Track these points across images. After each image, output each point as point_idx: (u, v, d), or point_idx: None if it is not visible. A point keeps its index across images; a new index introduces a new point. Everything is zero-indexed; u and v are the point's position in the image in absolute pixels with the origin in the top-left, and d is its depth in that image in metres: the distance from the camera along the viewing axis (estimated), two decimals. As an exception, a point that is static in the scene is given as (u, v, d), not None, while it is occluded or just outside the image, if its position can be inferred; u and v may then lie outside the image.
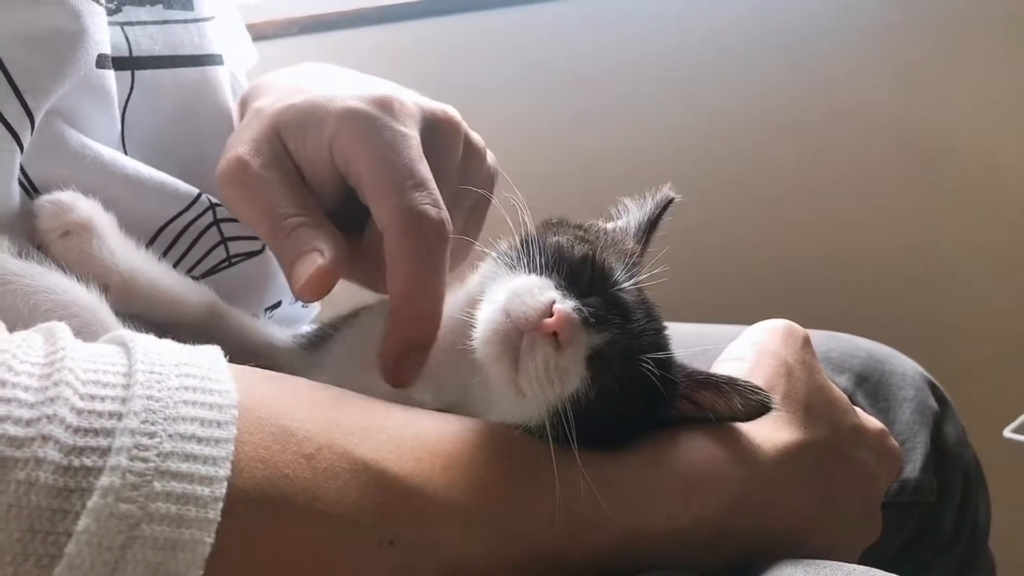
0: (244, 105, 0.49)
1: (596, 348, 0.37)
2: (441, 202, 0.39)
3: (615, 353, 0.37)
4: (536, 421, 0.36)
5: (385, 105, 0.41)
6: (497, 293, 0.38)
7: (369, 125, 0.40)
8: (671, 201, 0.47)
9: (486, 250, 0.43)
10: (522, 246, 0.40)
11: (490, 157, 0.49)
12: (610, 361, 0.37)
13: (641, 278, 0.40)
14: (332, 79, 0.47)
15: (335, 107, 0.41)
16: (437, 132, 0.44)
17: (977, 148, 1.14)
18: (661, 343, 0.41)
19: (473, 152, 0.47)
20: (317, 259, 0.39)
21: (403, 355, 0.39)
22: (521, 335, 0.36)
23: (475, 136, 0.47)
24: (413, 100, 0.43)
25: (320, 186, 0.42)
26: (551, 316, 0.36)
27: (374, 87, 0.43)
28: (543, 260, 0.39)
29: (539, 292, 0.37)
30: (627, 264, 0.41)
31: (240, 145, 0.42)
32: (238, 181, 0.41)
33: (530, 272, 0.39)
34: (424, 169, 0.40)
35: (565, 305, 0.36)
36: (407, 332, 0.39)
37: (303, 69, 0.51)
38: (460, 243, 0.48)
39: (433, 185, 0.40)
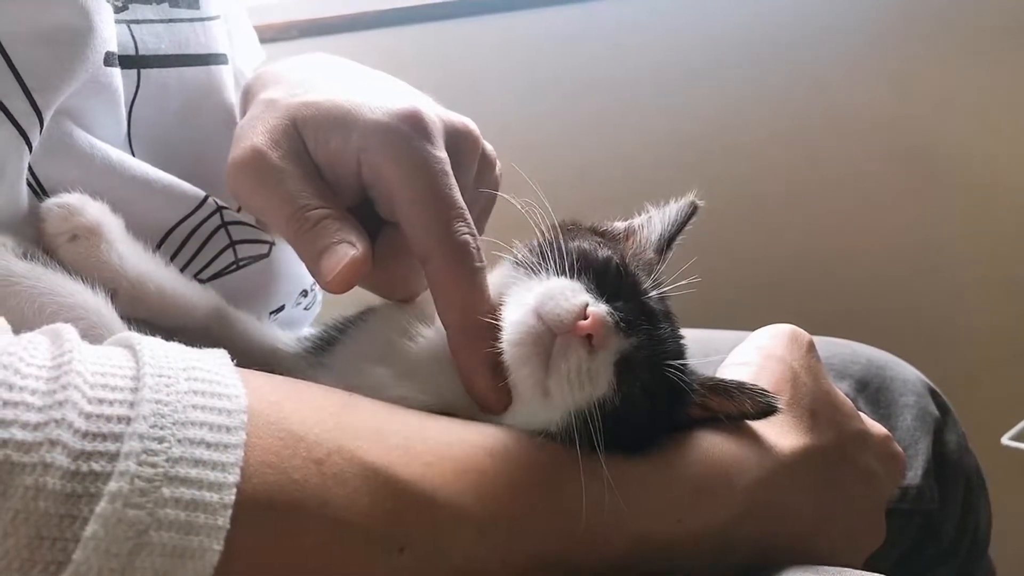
0: (248, 95, 0.48)
1: (624, 352, 0.37)
2: (474, 228, 0.40)
3: (641, 358, 0.37)
4: (557, 426, 0.36)
5: (417, 123, 0.41)
6: (525, 296, 0.38)
7: (404, 146, 0.40)
8: (696, 208, 0.46)
9: (500, 254, 0.43)
10: (544, 249, 0.40)
11: (497, 165, 0.49)
12: (636, 366, 0.37)
13: (666, 284, 0.40)
14: (348, 78, 0.46)
15: (364, 119, 0.40)
16: (458, 145, 0.43)
17: (976, 152, 1.15)
18: (681, 349, 0.41)
19: (486, 163, 0.47)
20: (348, 250, 0.38)
21: (492, 375, 0.38)
22: (553, 337, 0.36)
23: (489, 147, 0.48)
24: (436, 113, 0.43)
25: (336, 189, 0.42)
26: (585, 319, 0.36)
27: (396, 95, 0.43)
28: (568, 264, 0.39)
29: (572, 295, 0.37)
30: (651, 270, 0.41)
31: (256, 136, 0.41)
32: (255, 171, 0.40)
33: (559, 275, 0.38)
34: (460, 197, 0.40)
35: (599, 308, 0.36)
36: (477, 348, 0.38)
37: (312, 61, 0.50)
38: None
39: (468, 213, 0.40)
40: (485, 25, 1.17)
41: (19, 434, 0.25)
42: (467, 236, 0.39)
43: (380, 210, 0.42)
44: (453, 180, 0.40)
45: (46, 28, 0.36)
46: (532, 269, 0.40)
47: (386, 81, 0.48)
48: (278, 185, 0.40)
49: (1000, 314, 1.17)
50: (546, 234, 0.41)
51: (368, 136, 0.40)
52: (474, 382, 0.38)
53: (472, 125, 0.46)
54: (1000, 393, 1.11)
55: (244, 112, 0.47)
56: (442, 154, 0.41)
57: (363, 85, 0.45)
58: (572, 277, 0.38)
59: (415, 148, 0.40)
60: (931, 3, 1.12)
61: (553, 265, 0.39)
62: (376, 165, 0.40)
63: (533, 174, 0.43)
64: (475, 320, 0.38)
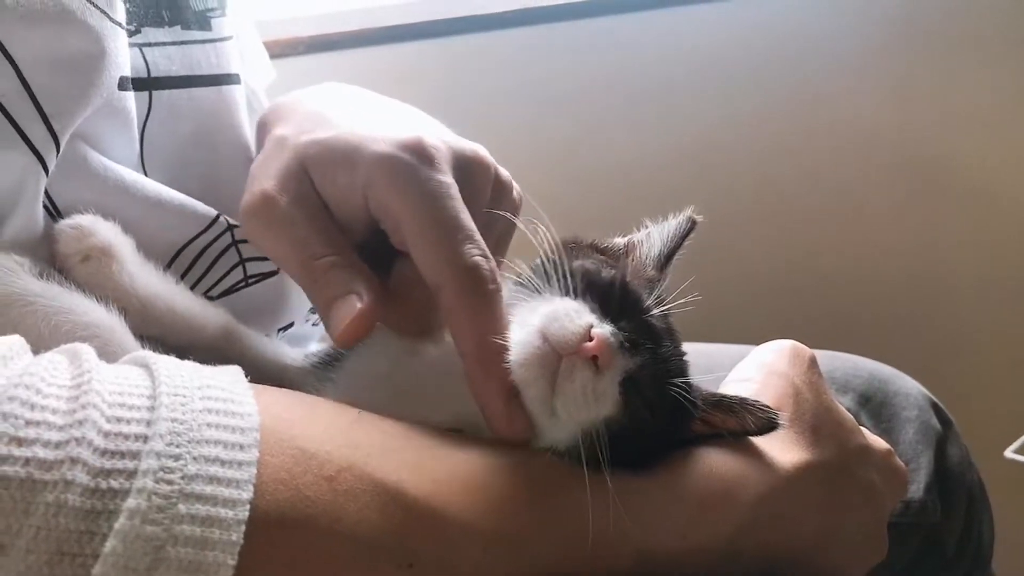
0: (264, 128, 0.48)
1: (629, 372, 0.37)
2: (488, 251, 0.39)
3: (646, 377, 0.38)
4: (564, 444, 0.36)
5: (420, 151, 0.40)
6: (529, 316, 0.38)
7: (407, 175, 0.40)
8: (695, 224, 0.46)
9: (503, 273, 0.43)
10: (548, 269, 0.40)
11: (515, 189, 0.49)
12: (641, 385, 0.38)
13: (669, 304, 0.41)
14: (358, 109, 0.47)
15: (368, 152, 0.40)
16: (468, 173, 0.43)
17: (978, 165, 1.15)
18: (684, 367, 0.41)
19: (502, 189, 0.47)
20: (355, 303, 0.38)
21: (507, 401, 0.37)
22: (559, 358, 0.36)
23: (504, 172, 0.47)
24: (444, 140, 0.43)
25: (347, 225, 0.42)
26: (590, 340, 0.36)
27: (403, 124, 0.43)
28: (572, 284, 0.39)
29: (576, 316, 0.37)
30: (653, 288, 0.42)
31: (266, 180, 0.41)
32: (265, 217, 0.40)
33: (563, 296, 0.39)
34: (469, 219, 0.39)
35: (603, 330, 0.37)
36: (492, 374, 0.37)
37: (325, 91, 0.50)
38: None
39: (479, 235, 0.39)
40: (487, 42, 1.18)
41: (41, 452, 0.25)
42: (477, 258, 0.38)
43: (393, 241, 0.42)
44: (460, 203, 0.40)
45: (63, 54, 0.37)
46: (537, 289, 0.40)
47: (397, 111, 0.48)
48: (288, 232, 0.40)
49: (1002, 327, 1.18)
50: (550, 254, 0.42)
51: (372, 169, 0.40)
52: (490, 410, 0.37)
53: (483, 152, 0.45)
54: (1003, 407, 1.11)
55: (260, 143, 0.48)
56: (446, 179, 0.40)
57: (372, 117, 0.45)
58: (576, 297, 0.39)
59: (418, 176, 0.40)
60: (931, 15, 1.13)
61: (557, 286, 0.39)
62: (381, 198, 0.40)
63: (536, 191, 0.43)
64: (490, 346, 0.37)
